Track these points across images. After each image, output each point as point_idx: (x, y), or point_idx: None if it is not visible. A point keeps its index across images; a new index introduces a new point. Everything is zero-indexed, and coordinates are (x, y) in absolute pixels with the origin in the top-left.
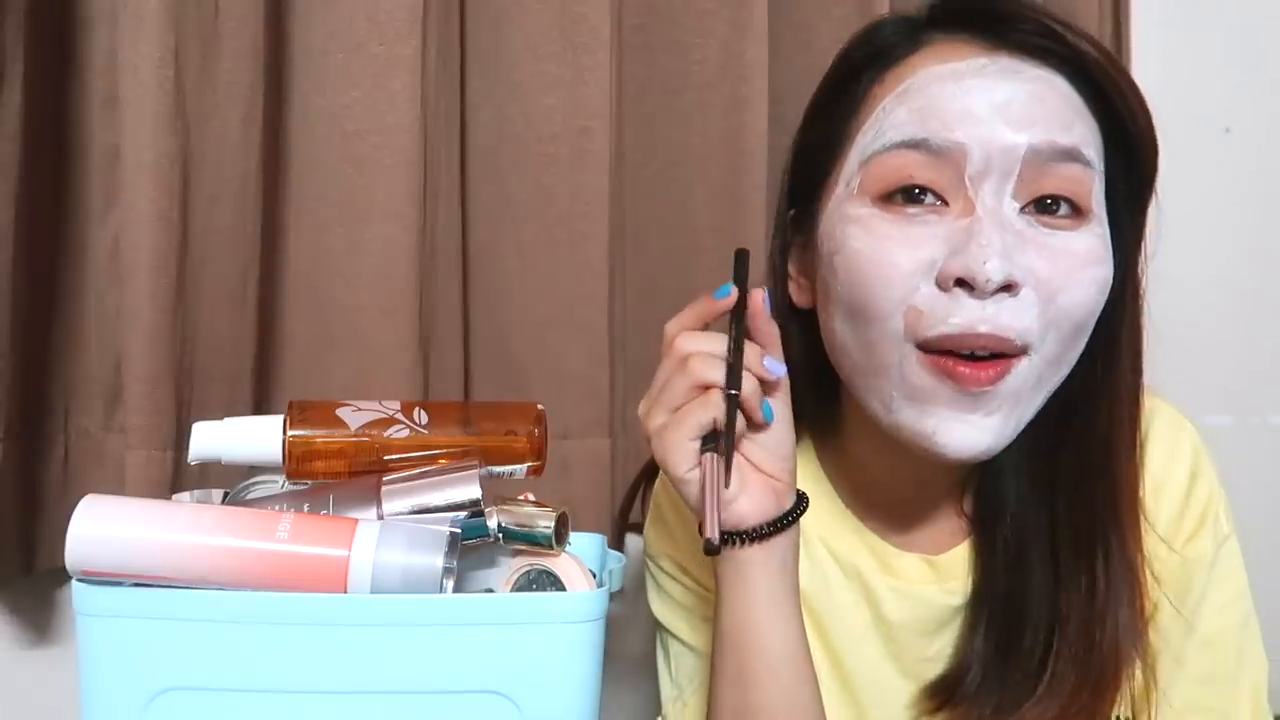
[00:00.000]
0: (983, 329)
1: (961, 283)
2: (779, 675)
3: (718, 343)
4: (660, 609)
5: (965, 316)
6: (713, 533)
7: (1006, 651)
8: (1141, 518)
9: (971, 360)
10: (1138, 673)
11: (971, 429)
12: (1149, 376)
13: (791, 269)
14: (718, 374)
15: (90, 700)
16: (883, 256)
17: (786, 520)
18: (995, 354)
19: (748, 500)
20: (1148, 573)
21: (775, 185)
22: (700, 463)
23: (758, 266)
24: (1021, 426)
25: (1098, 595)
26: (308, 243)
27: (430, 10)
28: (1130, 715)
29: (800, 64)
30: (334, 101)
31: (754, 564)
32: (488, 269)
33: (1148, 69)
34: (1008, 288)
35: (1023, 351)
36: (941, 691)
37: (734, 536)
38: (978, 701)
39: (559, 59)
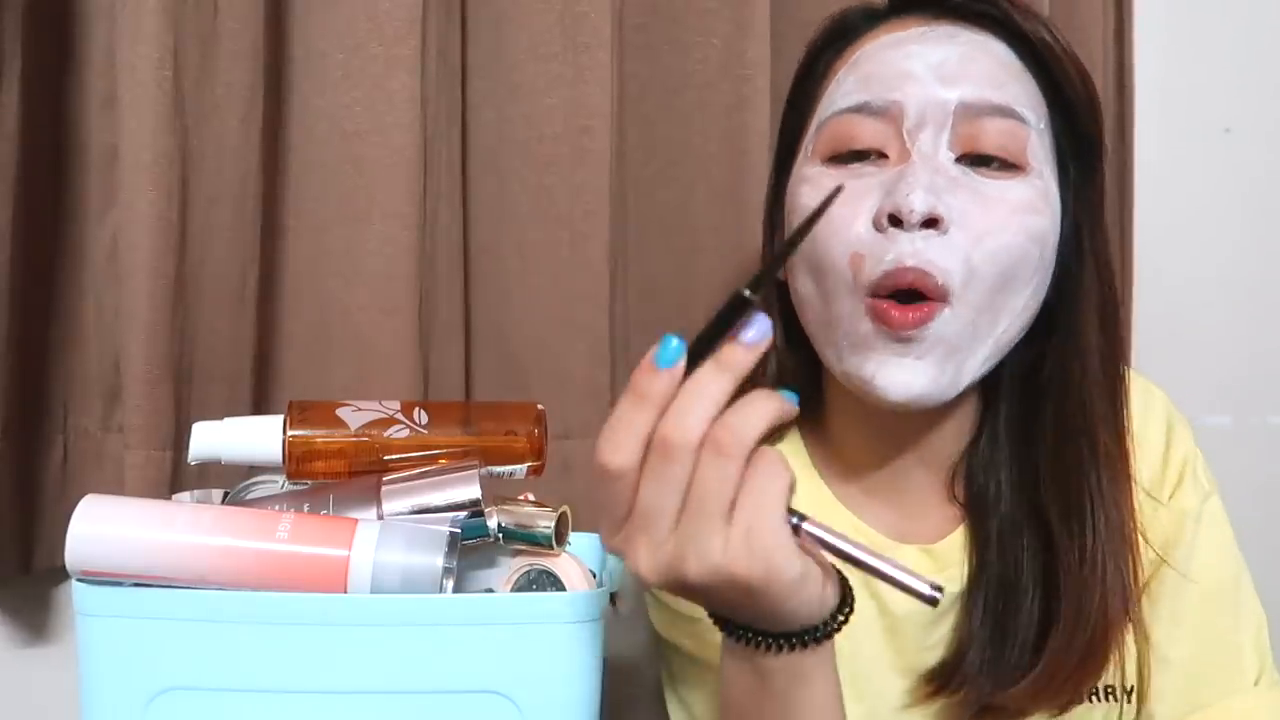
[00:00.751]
0: (909, 263)
1: (894, 220)
2: None
3: (713, 388)
4: (666, 628)
5: (896, 252)
6: (921, 583)
7: (1004, 630)
8: (1131, 479)
9: (901, 304)
10: (1130, 641)
11: (904, 372)
12: (1149, 375)
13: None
14: (760, 420)
15: (90, 700)
16: (829, 213)
17: (850, 601)
18: (922, 297)
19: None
20: (1138, 534)
21: None
22: (803, 542)
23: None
24: (966, 378)
25: (1086, 560)
26: (307, 243)
27: (430, 10)
28: (1112, 686)
29: None
30: (333, 102)
31: (815, 665)
32: (488, 269)
33: (1148, 69)
34: (934, 223)
35: (942, 297)
36: (940, 677)
37: (795, 638)
38: (977, 682)
39: (560, 58)
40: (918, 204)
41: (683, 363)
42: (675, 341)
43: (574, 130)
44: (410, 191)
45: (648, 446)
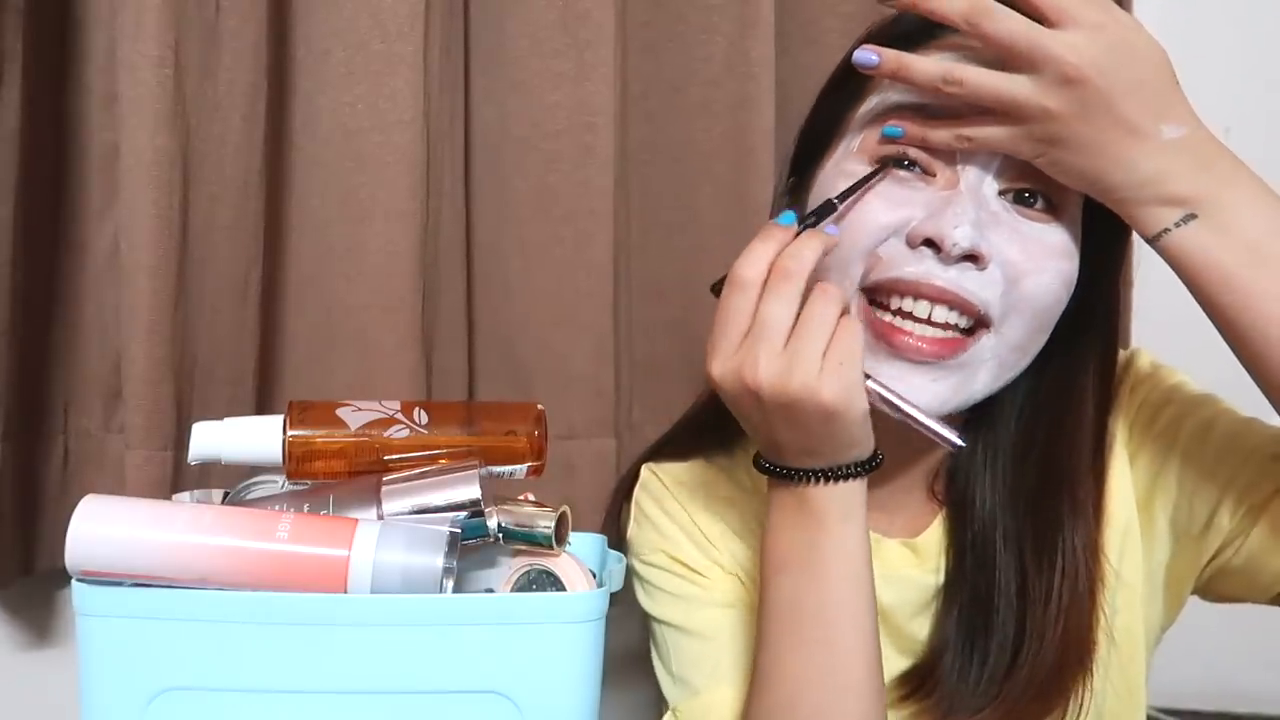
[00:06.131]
0: (938, 282)
1: (929, 244)
2: (867, 644)
3: (815, 242)
4: (655, 606)
5: (923, 268)
6: (950, 431)
7: (974, 641)
8: (1103, 525)
9: (926, 322)
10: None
11: (910, 389)
12: None
13: None
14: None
15: (90, 700)
16: (862, 207)
17: (879, 454)
18: (954, 326)
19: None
20: (1102, 586)
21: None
22: (869, 393)
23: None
24: (971, 401)
25: (1051, 599)
26: (309, 241)
27: (433, 7)
28: None
29: (806, 60)
30: (336, 99)
31: (859, 503)
32: (491, 268)
33: None
34: (973, 258)
35: (983, 324)
36: (914, 679)
37: (850, 468)
38: (946, 691)
39: (563, 56)
40: (962, 239)
41: (794, 227)
42: (790, 214)
43: (577, 128)
44: (413, 189)
45: (769, 270)
